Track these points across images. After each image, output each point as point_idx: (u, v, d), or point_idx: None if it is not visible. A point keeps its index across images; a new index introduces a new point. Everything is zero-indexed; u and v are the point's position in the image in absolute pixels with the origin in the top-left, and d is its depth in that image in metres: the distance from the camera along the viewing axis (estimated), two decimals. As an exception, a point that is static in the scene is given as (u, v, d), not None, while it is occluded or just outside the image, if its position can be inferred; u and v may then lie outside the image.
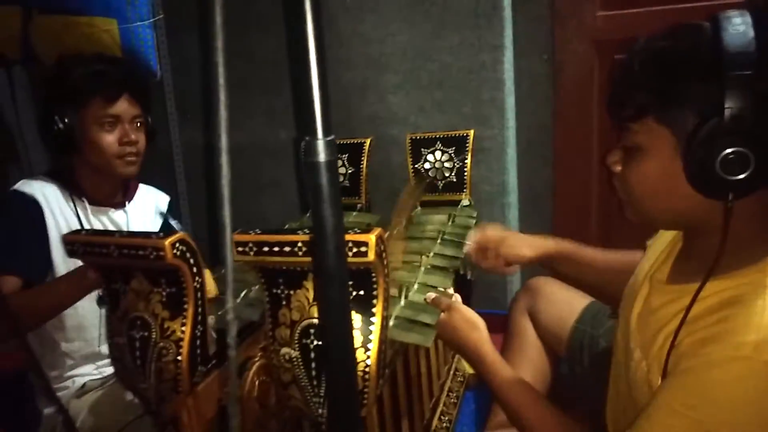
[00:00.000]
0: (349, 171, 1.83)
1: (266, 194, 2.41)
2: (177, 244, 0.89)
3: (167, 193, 1.67)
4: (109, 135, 1.32)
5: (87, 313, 1.39)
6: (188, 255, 0.92)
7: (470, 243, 1.31)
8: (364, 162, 1.82)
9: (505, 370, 1.02)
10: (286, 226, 1.75)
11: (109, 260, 0.94)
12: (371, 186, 1.86)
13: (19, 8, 1.98)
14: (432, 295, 1.15)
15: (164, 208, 1.62)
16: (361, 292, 0.89)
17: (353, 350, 0.71)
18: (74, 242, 0.95)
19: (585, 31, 1.88)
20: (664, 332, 0.78)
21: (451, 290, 1.19)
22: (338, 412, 0.66)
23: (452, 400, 1.59)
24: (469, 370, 1.77)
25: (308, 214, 1.88)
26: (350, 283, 0.87)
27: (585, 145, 1.98)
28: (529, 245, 1.26)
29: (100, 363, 1.46)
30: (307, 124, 0.51)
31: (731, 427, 0.67)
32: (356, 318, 0.88)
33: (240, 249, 0.90)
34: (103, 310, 1.41)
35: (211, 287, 1.22)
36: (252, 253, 0.89)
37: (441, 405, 1.54)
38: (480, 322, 1.08)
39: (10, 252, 1.27)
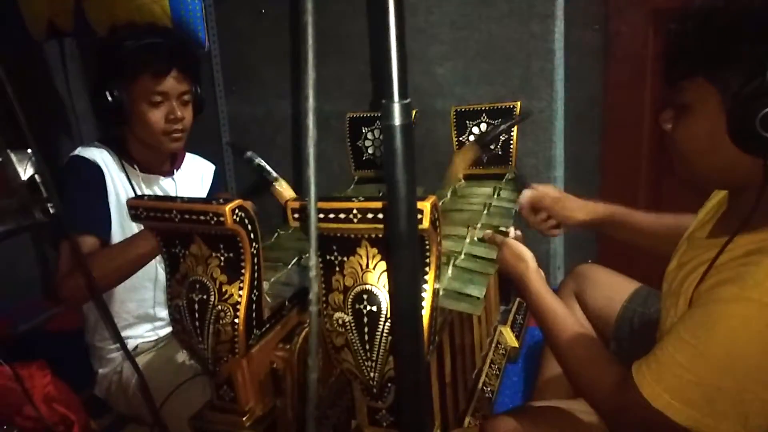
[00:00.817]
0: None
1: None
2: (237, 210, 0.92)
3: (213, 163, 1.70)
4: (156, 111, 1.33)
5: (141, 275, 1.43)
6: (247, 221, 0.94)
7: (523, 199, 1.33)
8: (409, 134, 1.82)
9: (548, 297, 1.06)
10: (331, 197, 1.77)
11: (171, 225, 0.97)
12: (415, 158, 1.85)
13: (73, -20, 2.02)
14: (489, 232, 1.24)
15: (210, 176, 1.64)
16: (415, 260, 0.90)
17: (421, 313, 0.72)
18: (138, 207, 0.98)
19: (640, 0, 1.82)
20: (691, 277, 0.83)
21: (512, 230, 1.27)
22: (405, 372, 0.67)
23: (494, 372, 1.61)
24: (511, 342, 1.77)
25: (352, 187, 1.90)
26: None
27: (636, 119, 1.93)
28: (581, 208, 1.28)
29: (152, 325, 1.51)
30: (385, 87, 0.52)
31: (727, 360, 0.71)
32: (409, 285, 0.89)
33: (296, 216, 0.92)
34: (158, 273, 1.46)
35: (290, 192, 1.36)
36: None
37: (483, 376, 1.55)
38: (527, 254, 1.12)
39: (84, 212, 1.31)
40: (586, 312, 1.47)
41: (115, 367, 1.47)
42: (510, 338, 1.76)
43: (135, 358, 1.45)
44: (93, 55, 2.21)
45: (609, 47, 1.89)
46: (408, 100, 0.53)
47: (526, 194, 1.32)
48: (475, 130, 1.74)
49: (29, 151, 0.69)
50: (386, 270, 0.90)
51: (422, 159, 1.95)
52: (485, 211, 1.43)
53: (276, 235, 1.46)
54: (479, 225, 1.35)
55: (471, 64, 2.00)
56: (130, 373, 1.43)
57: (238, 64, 2.38)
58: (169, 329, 1.53)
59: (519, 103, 1.68)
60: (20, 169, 0.68)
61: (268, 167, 1.41)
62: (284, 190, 1.39)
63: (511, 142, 1.69)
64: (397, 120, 0.53)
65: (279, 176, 1.40)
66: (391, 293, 0.83)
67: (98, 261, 1.23)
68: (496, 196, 1.56)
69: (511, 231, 1.28)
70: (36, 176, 0.69)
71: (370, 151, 1.91)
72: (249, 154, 1.41)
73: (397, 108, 0.52)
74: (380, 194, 1.72)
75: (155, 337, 1.52)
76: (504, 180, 1.68)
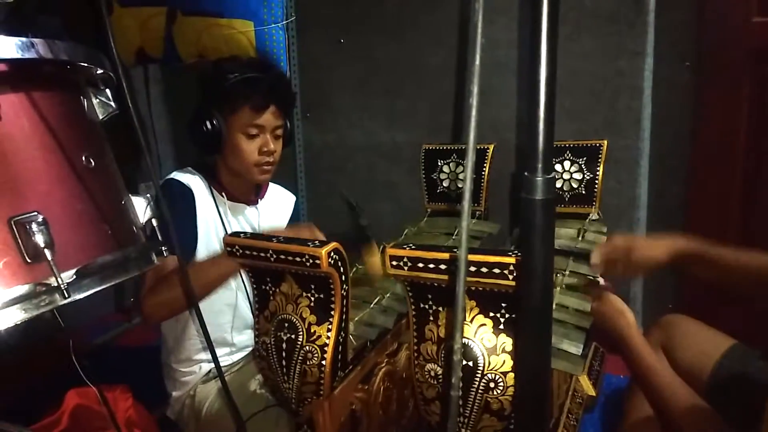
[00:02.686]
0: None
1: (380, 195, 2.42)
2: (332, 253, 0.91)
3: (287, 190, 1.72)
4: (251, 143, 1.37)
5: (221, 299, 1.45)
6: (340, 264, 0.94)
7: (596, 259, 1.24)
8: (486, 169, 1.79)
9: (651, 356, 1.02)
10: (405, 231, 1.75)
11: (265, 263, 0.97)
12: (490, 193, 1.82)
13: (165, 9, 2.11)
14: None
15: (291, 207, 1.67)
16: (513, 315, 0.86)
17: (549, 387, 0.69)
18: (234, 244, 0.99)
19: (737, 39, 1.73)
20: None
21: (601, 279, 1.24)
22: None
23: (572, 422, 1.53)
24: (588, 391, 1.69)
25: (424, 219, 1.88)
26: (503, 305, 0.86)
27: (726, 162, 1.83)
28: (659, 248, 1.19)
29: (227, 350, 1.52)
30: (529, 160, 0.49)
31: None
32: (508, 342, 0.86)
33: (394, 263, 0.90)
34: (237, 299, 1.47)
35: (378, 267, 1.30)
36: (406, 268, 0.89)
37: (561, 426, 1.48)
38: (627, 311, 1.10)
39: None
40: (675, 366, 1.39)
41: (189, 390, 1.49)
42: (587, 386, 1.68)
43: (208, 382, 1.48)
44: (174, 80, 2.28)
45: (700, 85, 1.81)
46: (552, 175, 0.51)
47: (595, 256, 1.24)
48: (558, 167, 1.69)
49: (148, 195, 0.70)
50: (484, 325, 0.87)
51: (497, 194, 1.91)
52: (571, 256, 1.37)
53: (354, 270, 1.45)
54: (567, 272, 1.29)
55: (553, 99, 1.95)
56: (203, 397, 1.44)
57: (314, 91, 2.41)
58: (241, 354, 1.54)
59: (606, 142, 1.63)
60: (140, 214, 0.69)
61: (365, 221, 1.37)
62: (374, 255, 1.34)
63: (596, 182, 1.63)
64: (539, 194, 0.50)
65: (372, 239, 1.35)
66: (518, 369, 0.79)
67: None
68: (580, 238, 1.50)
69: (601, 280, 1.23)
70: (153, 221, 0.70)
71: (444, 184, 1.88)
72: (362, 220, 1.38)
73: (540, 183, 0.50)
74: (456, 231, 1.71)
75: (229, 362, 1.53)
76: (587, 220, 1.62)
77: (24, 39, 0.55)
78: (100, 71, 0.66)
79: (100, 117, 0.69)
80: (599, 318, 1.12)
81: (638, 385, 1.06)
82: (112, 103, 0.70)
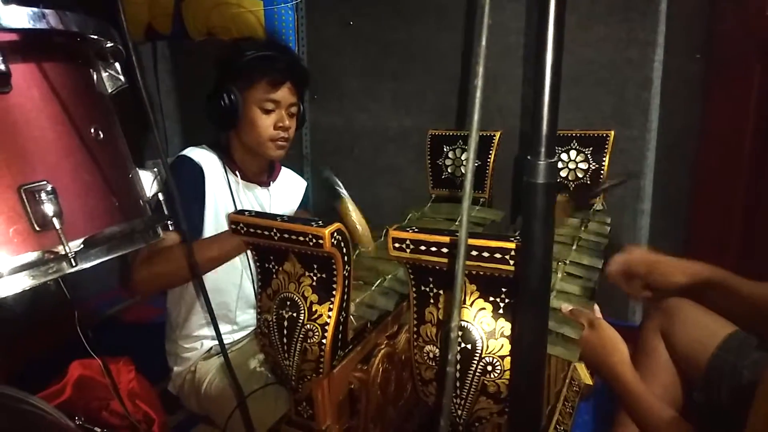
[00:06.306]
0: (476, 164, 1.80)
1: (384, 178, 2.43)
2: (335, 234, 0.92)
3: (293, 171, 1.72)
4: (266, 118, 1.39)
5: (226, 278, 1.46)
6: (342, 244, 0.94)
7: (614, 267, 1.22)
8: (492, 156, 1.78)
9: (651, 399, 0.98)
10: (409, 215, 1.76)
11: (268, 242, 0.98)
12: (495, 180, 1.82)
13: (175, -14, 2.11)
14: (569, 306, 1.10)
15: (301, 192, 1.68)
16: (512, 300, 0.87)
17: (544, 370, 0.70)
18: (239, 221, 1.00)
19: (749, 32, 1.72)
20: None
21: (596, 308, 1.15)
22: (523, 418, 0.65)
23: (568, 410, 1.55)
24: (585, 380, 1.71)
25: (428, 205, 1.88)
26: (504, 290, 0.86)
27: (734, 155, 1.83)
28: (681, 271, 1.15)
29: (229, 327, 1.54)
30: (532, 143, 0.50)
31: None
32: (506, 326, 0.87)
33: (396, 245, 0.91)
34: (243, 280, 1.49)
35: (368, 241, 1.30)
36: (408, 250, 0.90)
37: (557, 413, 1.50)
38: (621, 344, 1.03)
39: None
40: (673, 353, 1.39)
41: (190, 366, 1.51)
42: (584, 375, 1.70)
43: (209, 359, 1.50)
44: (185, 58, 2.28)
45: (710, 77, 1.80)
46: (554, 159, 0.51)
47: (618, 261, 1.21)
48: (564, 156, 1.68)
49: (155, 169, 0.71)
50: (483, 309, 0.88)
51: (502, 181, 1.91)
52: (574, 246, 1.38)
53: (357, 252, 1.46)
54: (568, 260, 1.30)
55: (561, 87, 1.95)
56: (204, 373, 1.46)
57: (322, 73, 2.41)
58: (243, 333, 1.56)
59: (613, 133, 1.62)
60: (146, 187, 0.70)
61: (339, 183, 1.37)
62: (350, 210, 1.33)
63: (602, 172, 1.63)
64: (541, 178, 0.51)
65: (347, 195, 1.34)
66: (514, 351, 0.80)
67: (177, 254, 1.24)
68: (583, 228, 1.50)
69: (597, 309, 1.16)
70: (159, 195, 0.71)
71: (449, 170, 1.89)
72: (326, 173, 1.39)
73: (542, 166, 0.51)
74: (459, 217, 1.71)
75: (230, 340, 1.55)
76: (591, 211, 1.62)
77: (35, 9, 0.56)
78: (109, 44, 0.66)
79: (109, 90, 0.69)
80: (588, 350, 1.05)
81: (637, 426, 1.03)
82: (121, 77, 0.70)
